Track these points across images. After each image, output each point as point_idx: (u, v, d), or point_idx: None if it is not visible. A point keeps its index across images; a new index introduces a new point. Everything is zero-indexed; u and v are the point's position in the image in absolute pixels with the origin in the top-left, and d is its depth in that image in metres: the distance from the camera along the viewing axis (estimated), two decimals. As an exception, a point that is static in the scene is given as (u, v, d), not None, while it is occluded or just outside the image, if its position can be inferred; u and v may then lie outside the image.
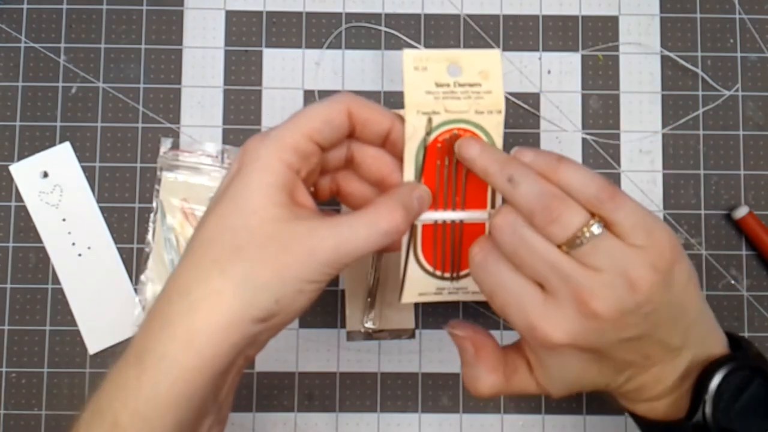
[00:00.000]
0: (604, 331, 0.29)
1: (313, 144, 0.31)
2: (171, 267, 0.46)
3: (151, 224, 0.46)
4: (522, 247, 0.30)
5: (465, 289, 0.36)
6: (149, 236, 0.46)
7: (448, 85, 0.34)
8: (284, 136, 0.30)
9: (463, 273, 0.36)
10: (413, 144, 0.33)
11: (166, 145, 0.47)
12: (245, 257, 0.29)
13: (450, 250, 0.35)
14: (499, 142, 0.34)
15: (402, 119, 0.33)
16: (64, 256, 0.46)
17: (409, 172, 0.34)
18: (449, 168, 0.34)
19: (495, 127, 0.34)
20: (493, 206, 0.35)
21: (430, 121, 0.34)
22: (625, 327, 0.29)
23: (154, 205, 0.47)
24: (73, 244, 0.46)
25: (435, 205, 0.34)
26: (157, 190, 0.47)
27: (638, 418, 0.34)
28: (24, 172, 0.47)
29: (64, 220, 0.47)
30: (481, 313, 0.47)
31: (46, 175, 0.47)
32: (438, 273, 0.36)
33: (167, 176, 0.47)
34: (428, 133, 0.34)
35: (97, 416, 0.29)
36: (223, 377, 0.30)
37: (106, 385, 0.29)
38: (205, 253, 0.29)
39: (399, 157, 0.34)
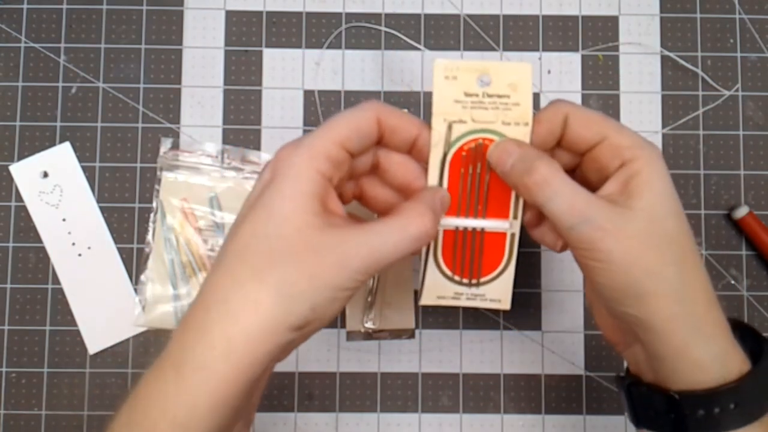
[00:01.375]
0: None
1: (344, 151, 0.31)
2: (171, 267, 0.46)
3: (151, 224, 0.46)
4: None
5: (483, 296, 0.37)
6: (149, 236, 0.46)
7: (476, 95, 0.34)
8: (317, 145, 0.30)
9: (482, 280, 0.36)
10: (438, 151, 0.34)
11: (166, 145, 0.47)
12: (281, 265, 0.28)
13: (470, 257, 0.36)
14: None
15: (430, 128, 0.33)
16: (64, 256, 0.46)
17: (434, 178, 0.34)
18: (473, 176, 0.35)
19: (521, 138, 0.34)
20: (515, 217, 0.35)
21: (450, 128, 0.34)
22: None
23: (154, 205, 0.47)
24: (73, 244, 0.46)
25: (457, 212, 0.35)
26: (157, 190, 0.47)
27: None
28: (24, 172, 0.47)
29: (64, 220, 0.47)
30: (481, 314, 0.47)
31: (46, 175, 0.47)
32: (457, 278, 0.36)
33: (167, 176, 0.47)
34: (449, 142, 0.34)
35: (135, 425, 0.29)
36: (257, 383, 0.30)
37: (142, 392, 0.29)
38: (241, 261, 0.29)
39: (424, 164, 0.34)
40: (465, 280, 0.36)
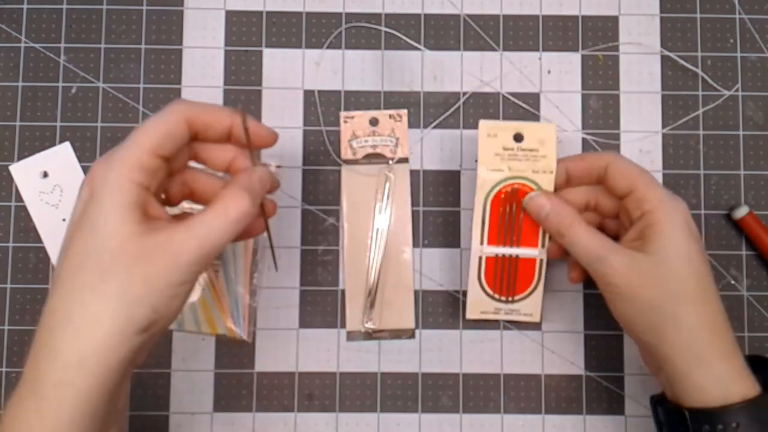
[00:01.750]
0: None
1: (157, 158, 0.33)
2: None
3: None
4: None
5: (518, 311, 0.45)
6: None
7: (512, 149, 0.43)
8: (129, 156, 0.32)
9: (517, 297, 0.45)
10: (482, 193, 0.43)
11: None
12: (115, 277, 0.30)
13: (507, 278, 0.44)
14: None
15: (241, 114, 0.36)
16: None
17: (478, 217, 0.43)
18: (509, 214, 0.43)
19: (547, 184, 0.43)
20: (543, 246, 0.44)
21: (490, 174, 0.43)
22: None
23: None
24: None
25: (497, 242, 0.44)
26: None
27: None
28: (24, 172, 0.47)
29: (64, 220, 0.47)
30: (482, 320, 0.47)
31: (46, 175, 0.47)
32: (496, 296, 0.45)
33: None
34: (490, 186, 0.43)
35: None
36: (118, 390, 0.31)
37: (5, 421, 0.30)
38: (76, 280, 0.31)
39: (255, 147, 0.37)
40: (503, 298, 0.45)
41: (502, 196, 0.43)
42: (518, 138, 0.43)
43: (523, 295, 0.45)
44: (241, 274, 0.46)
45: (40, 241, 0.47)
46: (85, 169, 0.47)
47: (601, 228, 0.43)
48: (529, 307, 0.45)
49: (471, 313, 0.45)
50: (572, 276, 0.43)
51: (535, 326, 0.47)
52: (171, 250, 0.31)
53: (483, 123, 0.43)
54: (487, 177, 0.43)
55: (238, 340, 0.46)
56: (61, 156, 0.47)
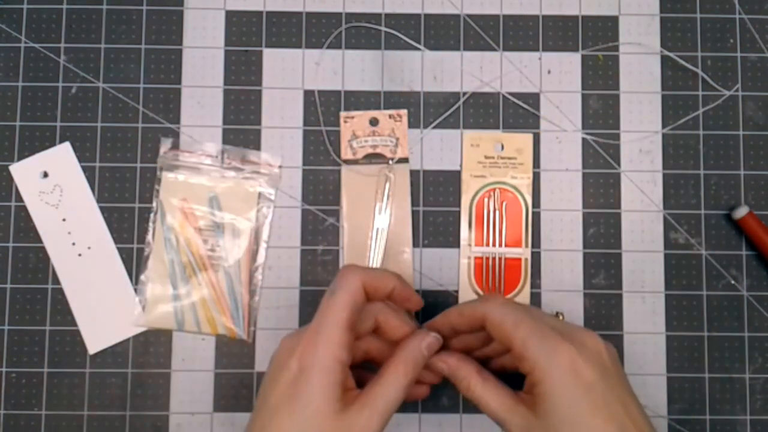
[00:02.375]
0: None
1: (351, 331, 0.36)
2: (171, 267, 0.46)
3: (151, 224, 0.46)
4: None
5: None
6: (149, 236, 0.46)
7: (493, 158, 0.47)
8: (333, 336, 0.35)
9: (507, 296, 0.46)
10: (467, 197, 0.47)
11: (166, 145, 0.47)
12: None
13: (494, 277, 0.47)
14: (528, 198, 0.47)
15: (399, 278, 0.40)
16: (64, 256, 0.46)
17: (465, 218, 0.47)
18: (493, 216, 0.47)
19: (526, 188, 0.47)
20: (527, 245, 0.47)
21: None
22: None
23: (154, 205, 0.47)
24: (73, 244, 0.46)
25: (483, 243, 0.47)
26: (157, 190, 0.47)
27: None
28: (24, 172, 0.47)
29: (64, 220, 0.47)
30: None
31: (46, 175, 0.47)
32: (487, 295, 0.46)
33: (167, 176, 0.47)
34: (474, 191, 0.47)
35: None
36: None
37: None
38: None
39: (403, 307, 0.41)
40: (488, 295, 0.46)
41: (486, 199, 0.47)
42: (499, 147, 0.47)
43: (511, 294, 0.46)
44: (241, 274, 0.46)
45: (39, 241, 0.47)
46: (85, 169, 0.47)
47: None
48: None
49: None
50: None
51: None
52: (360, 425, 0.35)
53: (466, 133, 0.47)
54: (471, 182, 0.47)
55: (238, 340, 0.46)
56: (62, 156, 0.47)
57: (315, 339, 0.36)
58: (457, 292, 0.47)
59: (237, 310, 0.46)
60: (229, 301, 0.46)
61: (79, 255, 0.46)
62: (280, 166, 0.47)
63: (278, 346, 0.38)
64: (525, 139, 0.47)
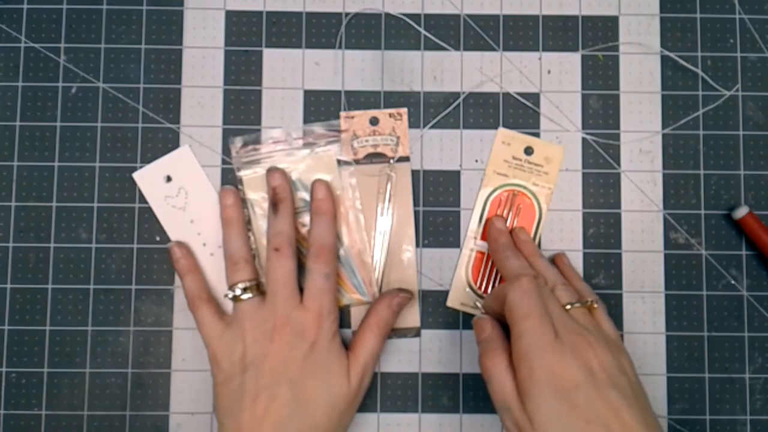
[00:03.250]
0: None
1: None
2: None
3: (248, 226, 0.46)
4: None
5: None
6: (251, 237, 0.46)
7: (520, 160, 0.47)
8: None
9: None
10: (485, 191, 0.47)
11: (236, 145, 0.47)
12: None
13: (491, 276, 0.47)
14: (545, 208, 0.47)
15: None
16: (197, 256, 0.46)
17: (478, 211, 0.47)
18: (506, 216, 0.47)
19: (545, 198, 0.47)
20: None
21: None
22: None
23: (245, 207, 0.46)
24: (204, 244, 0.47)
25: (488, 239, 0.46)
26: (242, 191, 0.46)
27: None
28: (147, 177, 0.47)
29: (192, 221, 0.47)
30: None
31: (169, 179, 0.47)
32: (479, 291, 0.46)
33: (246, 174, 0.46)
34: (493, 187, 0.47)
35: None
36: None
37: None
38: None
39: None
40: (485, 295, 0.46)
41: (502, 198, 0.47)
42: (528, 151, 0.47)
43: None
44: (347, 241, 0.46)
45: (40, 240, 0.47)
46: (85, 169, 0.47)
47: None
48: None
49: (451, 302, 0.47)
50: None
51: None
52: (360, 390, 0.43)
53: (501, 130, 0.47)
54: (493, 178, 0.47)
55: (367, 303, 0.46)
56: (183, 159, 0.47)
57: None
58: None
59: (356, 277, 0.46)
60: (345, 271, 0.46)
61: (211, 254, 0.47)
62: (345, 130, 0.47)
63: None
64: (556, 150, 0.47)
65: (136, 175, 0.47)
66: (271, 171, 0.46)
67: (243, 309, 0.43)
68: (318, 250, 0.43)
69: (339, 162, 0.47)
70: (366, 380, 0.43)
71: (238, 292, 0.43)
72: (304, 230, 0.46)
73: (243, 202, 0.46)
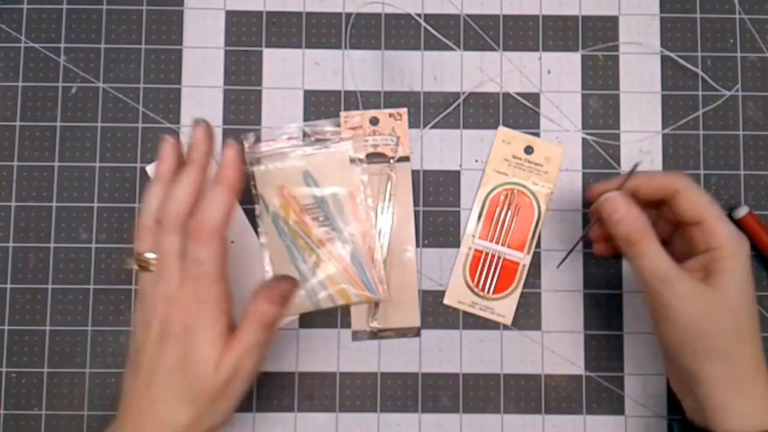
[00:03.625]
0: None
1: None
2: (290, 253, 0.46)
3: (258, 220, 0.46)
4: None
5: (492, 310, 0.47)
6: (261, 231, 0.46)
7: (520, 159, 0.47)
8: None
9: (495, 296, 0.47)
10: (485, 189, 0.47)
11: (248, 140, 0.47)
12: None
13: (489, 275, 0.47)
14: (543, 207, 0.47)
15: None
16: None
17: (477, 209, 0.47)
18: (504, 215, 0.47)
19: (544, 197, 0.47)
20: (528, 252, 0.47)
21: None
22: None
23: (256, 201, 0.46)
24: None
25: (487, 237, 0.47)
26: (253, 185, 0.46)
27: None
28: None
29: None
30: (482, 320, 0.47)
31: None
32: (476, 290, 0.47)
33: (259, 169, 0.46)
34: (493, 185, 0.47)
35: None
36: None
37: None
38: None
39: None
40: (481, 293, 0.47)
41: (501, 197, 0.47)
42: (528, 150, 0.47)
43: (500, 295, 0.47)
44: (358, 239, 0.46)
45: (39, 240, 0.46)
46: (85, 169, 0.47)
47: None
48: (504, 308, 0.47)
49: (448, 299, 0.47)
50: (599, 249, 0.45)
51: (535, 326, 0.47)
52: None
53: (501, 129, 0.47)
54: (492, 177, 0.47)
55: (376, 301, 0.46)
56: None
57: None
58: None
59: (366, 275, 0.46)
60: (355, 268, 0.46)
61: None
62: (359, 127, 0.47)
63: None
64: (557, 149, 0.47)
65: (149, 168, 0.47)
66: (197, 122, 0.39)
67: (141, 284, 0.39)
68: (197, 227, 0.37)
69: (351, 159, 0.47)
70: (242, 373, 0.37)
71: (135, 266, 0.38)
72: (315, 227, 0.46)
73: (255, 197, 0.46)
